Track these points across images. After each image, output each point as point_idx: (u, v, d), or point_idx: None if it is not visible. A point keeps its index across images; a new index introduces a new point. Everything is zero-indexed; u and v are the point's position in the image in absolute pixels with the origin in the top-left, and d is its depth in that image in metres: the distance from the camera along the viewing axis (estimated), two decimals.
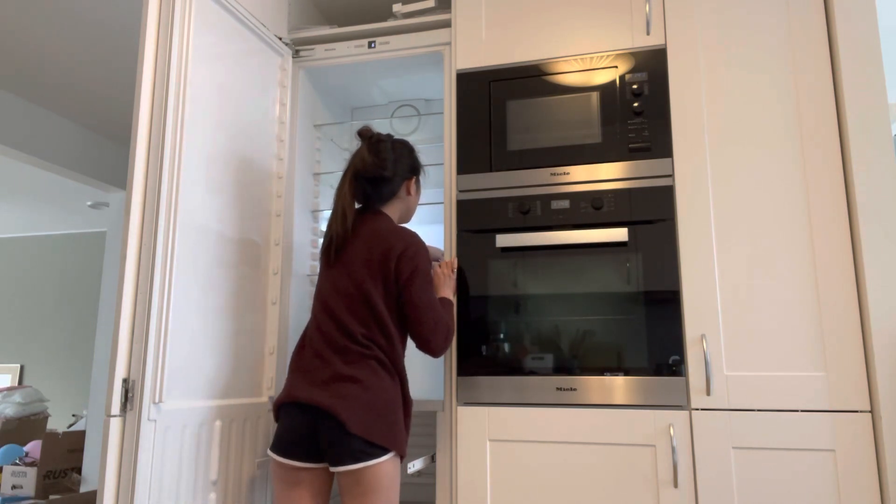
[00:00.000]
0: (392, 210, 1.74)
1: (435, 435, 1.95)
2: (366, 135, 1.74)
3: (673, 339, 1.66)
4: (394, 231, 1.65)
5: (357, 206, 1.74)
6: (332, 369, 1.54)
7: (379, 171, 1.68)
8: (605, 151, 1.81)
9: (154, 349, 1.48)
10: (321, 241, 2.02)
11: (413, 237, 1.65)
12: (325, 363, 1.55)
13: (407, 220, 1.83)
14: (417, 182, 1.80)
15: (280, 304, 1.96)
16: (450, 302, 1.73)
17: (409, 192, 1.76)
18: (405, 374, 1.64)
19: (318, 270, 2.18)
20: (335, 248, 1.66)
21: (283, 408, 1.57)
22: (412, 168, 1.76)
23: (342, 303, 1.60)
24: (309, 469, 1.54)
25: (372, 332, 1.58)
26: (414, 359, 2.39)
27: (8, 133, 3.24)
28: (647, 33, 1.85)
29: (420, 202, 2.46)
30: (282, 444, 1.54)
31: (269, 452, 1.57)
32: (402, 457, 1.56)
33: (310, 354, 1.59)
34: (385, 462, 1.49)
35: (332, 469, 1.50)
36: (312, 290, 2.16)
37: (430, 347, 1.62)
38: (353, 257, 1.64)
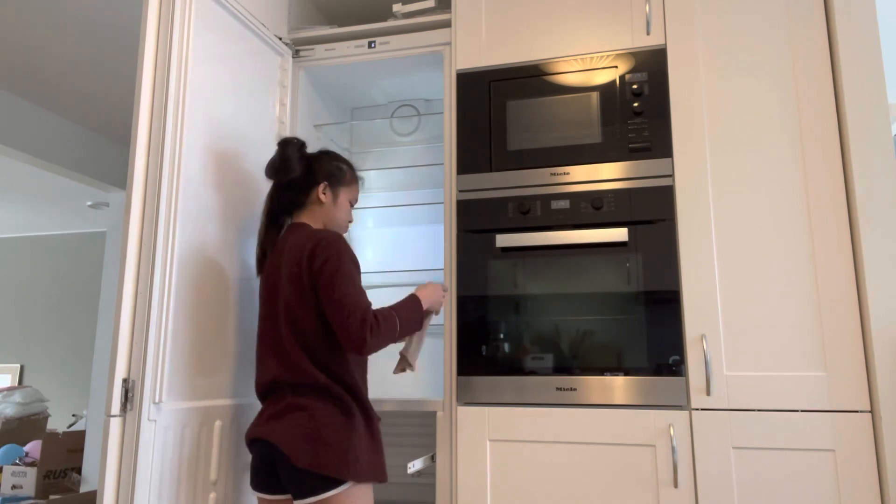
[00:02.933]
0: (312, 219, 1.66)
1: (435, 435, 1.95)
2: (279, 141, 1.69)
3: (673, 339, 1.66)
4: (309, 234, 1.56)
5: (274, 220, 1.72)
6: (285, 401, 1.49)
7: (282, 173, 1.64)
8: (605, 151, 1.81)
9: (154, 349, 1.48)
10: None
11: (326, 234, 1.53)
12: (279, 396, 1.52)
13: (334, 229, 1.68)
14: (334, 190, 1.67)
15: None
16: (414, 299, 1.60)
17: (322, 199, 1.65)
18: (360, 392, 1.52)
19: None
20: (257, 264, 1.70)
21: (249, 443, 1.55)
22: (326, 173, 1.66)
23: (280, 331, 1.53)
24: (281, 500, 1.51)
25: (311, 357, 1.49)
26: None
27: (8, 133, 3.24)
28: (647, 33, 1.85)
29: (420, 202, 2.48)
30: (253, 478, 1.54)
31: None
32: (375, 481, 1.47)
33: (264, 385, 1.55)
34: (343, 493, 1.40)
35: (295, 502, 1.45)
36: None
37: (350, 342, 1.43)
38: (278, 277, 1.57)
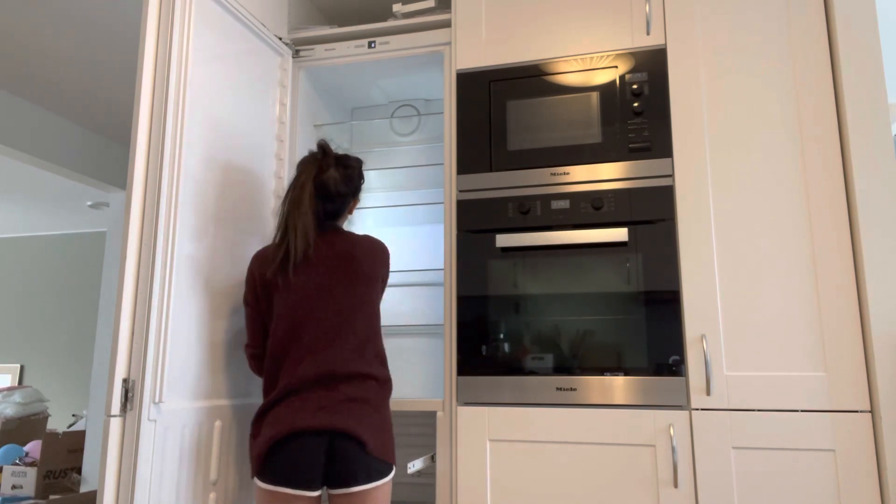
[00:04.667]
0: (343, 224, 1.75)
1: (435, 435, 1.95)
2: (330, 151, 1.69)
3: (673, 339, 1.66)
4: (378, 243, 1.69)
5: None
6: (338, 393, 1.51)
7: (345, 189, 1.67)
8: (605, 151, 1.81)
9: (154, 349, 1.48)
10: None
11: (384, 245, 1.71)
12: (329, 390, 1.51)
13: None
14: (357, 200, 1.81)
15: None
16: None
17: (351, 211, 1.77)
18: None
19: None
20: (294, 267, 1.58)
21: (286, 440, 1.47)
22: (359, 188, 1.76)
23: (340, 326, 1.57)
24: (309, 497, 1.47)
25: (370, 355, 1.59)
26: (414, 358, 2.39)
27: (8, 133, 3.24)
28: (647, 33, 1.85)
29: (420, 202, 2.49)
30: (292, 475, 1.45)
31: (265, 485, 1.47)
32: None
33: (303, 385, 1.52)
34: (391, 479, 1.54)
35: (340, 491, 1.47)
36: None
37: None
38: (338, 276, 1.60)
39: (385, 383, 1.60)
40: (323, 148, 1.69)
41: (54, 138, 3.52)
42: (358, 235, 1.68)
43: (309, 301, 1.57)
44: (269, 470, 1.47)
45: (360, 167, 1.74)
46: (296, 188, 1.63)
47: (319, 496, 1.51)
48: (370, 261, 1.64)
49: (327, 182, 1.64)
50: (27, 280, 5.90)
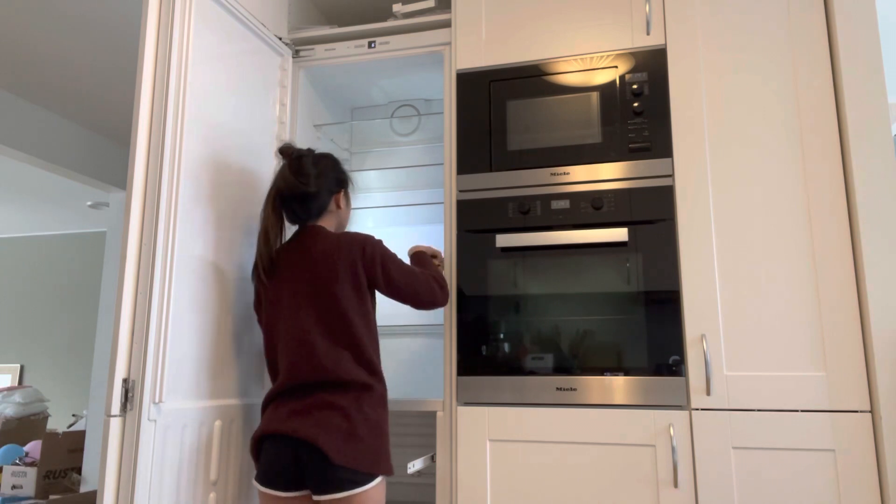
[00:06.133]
0: (327, 224, 1.70)
1: (435, 435, 1.95)
2: (286, 153, 1.69)
3: (673, 339, 1.66)
4: (346, 238, 1.63)
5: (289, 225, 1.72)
6: (313, 397, 1.50)
7: (303, 188, 1.63)
8: (605, 151, 1.81)
9: (154, 349, 1.48)
10: None
11: (365, 236, 1.64)
12: (305, 392, 1.52)
13: (343, 231, 1.79)
14: (346, 195, 1.76)
15: None
16: (421, 253, 1.79)
17: (338, 206, 1.72)
18: (384, 379, 1.60)
19: None
20: (265, 271, 1.62)
21: (264, 439, 1.52)
22: (338, 181, 1.72)
23: (314, 332, 1.55)
24: (294, 497, 1.49)
25: (353, 359, 1.54)
26: (414, 358, 2.39)
27: (8, 133, 3.24)
28: (647, 33, 1.85)
29: (420, 202, 2.48)
30: (267, 475, 1.50)
31: (255, 483, 1.53)
32: (390, 474, 1.55)
33: (286, 385, 1.53)
34: (372, 489, 1.46)
35: (316, 497, 1.45)
36: None
37: (433, 306, 1.68)
38: (310, 278, 1.58)
39: (369, 388, 1.54)
40: (280, 152, 1.71)
41: (54, 138, 3.52)
42: (338, 234, 1.64)
43: (287, 307, 1.59)
44: (257, 468, 1.55)
45: (314, 159, 1.68)
46: (266, 198, 1.68)
47: (305, 496, 1.50)
48: (348, 260, 1.58)
49: (281, 187, 1.65)
50: (27, 280, 5.90)
